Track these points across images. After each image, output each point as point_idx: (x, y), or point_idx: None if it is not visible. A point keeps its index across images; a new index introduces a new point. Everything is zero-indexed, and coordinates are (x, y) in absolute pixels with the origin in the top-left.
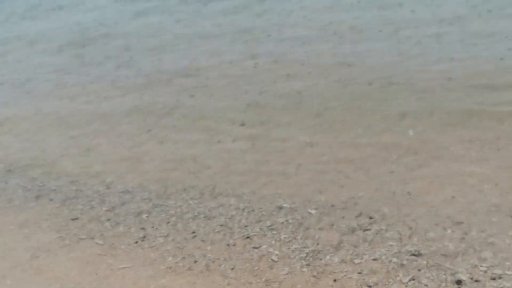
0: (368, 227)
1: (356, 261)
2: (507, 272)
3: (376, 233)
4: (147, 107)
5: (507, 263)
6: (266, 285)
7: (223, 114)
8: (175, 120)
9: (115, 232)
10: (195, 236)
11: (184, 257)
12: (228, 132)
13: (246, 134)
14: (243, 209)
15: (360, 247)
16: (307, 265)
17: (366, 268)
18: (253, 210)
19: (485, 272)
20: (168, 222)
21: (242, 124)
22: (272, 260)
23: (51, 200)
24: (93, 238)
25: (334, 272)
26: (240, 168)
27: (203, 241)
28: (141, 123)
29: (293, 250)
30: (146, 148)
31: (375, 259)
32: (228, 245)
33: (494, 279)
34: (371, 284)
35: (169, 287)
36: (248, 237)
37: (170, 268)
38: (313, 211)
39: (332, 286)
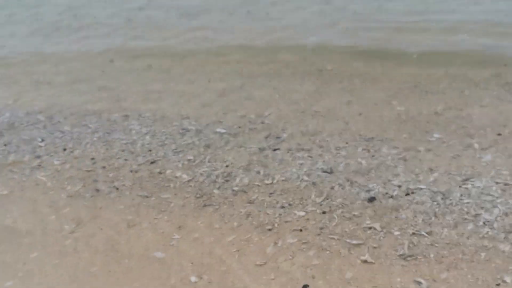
0: (278, 147)
1: (267, 181)
2: (420, 186)
3: (286, 152)
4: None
5: (420, 178)
6: (179, 208)
7: (117, 28)
8: (64, 36)
9: (8, 161)
10: (95, 163)
11: (85, 185)
12: (127, 49)
13: (147, 50)
14: (146, 133)
15: (270, 168)
16: (218, 188)
17: (278, 189)
18: (156, 134)
19: (399, 187)
20: (65, 149)
21: (142, 39)
22: (181, 183)
23: None
24: None
25: (247, 194)
26: (140, 88)
27: (104, 167)
28: (27, 42)
29: (201, 173)
30: (32, 70)
31: (286, 179)
32: (131, 171)
33: (408, 194)
34: (285, 205)
35: (73, 216)
36: (152, 162)
37: (71, 196)
38: (220, 133)
39: (246, 207)
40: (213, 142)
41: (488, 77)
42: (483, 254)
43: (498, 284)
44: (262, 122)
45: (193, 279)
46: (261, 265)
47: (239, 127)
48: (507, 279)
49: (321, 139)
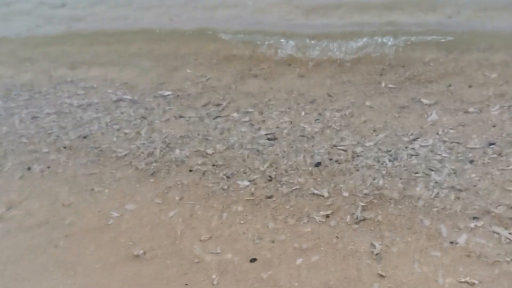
0: (218, 115)
1: (209, 151)
2: (366, 144)
3: (227, 120)
4: None
5: (365, 140)
6: (118, 183)
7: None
8: None
9: None
10: (25, 140)
11: (19, 163)
12: (47, 15)
13: (68, 16)
14: (78, 106)
15: (211, 137)
16: (155, 161)
17: (220, 158)
18: (89, 105)
19: (345, 151)
20: None
21: (63, 5)
22: (117, 158)
23: None
24: None
25: (188, 165)
26: (67, 59)
27: (34, 143)
28: None
29: (139, 146)
30: None
31: (229, 148)
32: (64, 147)
33: (353, 157)
34: (229, 175)
35: (3, 198)
36: (85, 137)
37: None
38: (157, 102)
39: (188, 179)
40: (150, 112)
41: (428, 41)
42: (434, 215)
43: (452, 242)
44: (202, 88)
45: (136, 252)
46: (209, 237)
47: (177, 96)
48: (460, 240)
49: (263, 104)
